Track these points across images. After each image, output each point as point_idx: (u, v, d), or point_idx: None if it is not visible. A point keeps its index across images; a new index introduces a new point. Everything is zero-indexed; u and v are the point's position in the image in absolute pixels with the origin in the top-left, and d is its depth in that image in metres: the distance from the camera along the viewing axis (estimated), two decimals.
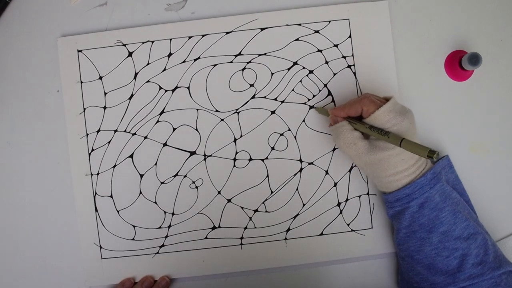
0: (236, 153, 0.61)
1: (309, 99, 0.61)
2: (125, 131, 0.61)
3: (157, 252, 0.61)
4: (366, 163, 0.53)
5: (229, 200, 0.61)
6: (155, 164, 0.61)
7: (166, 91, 0.61)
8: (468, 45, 0.62)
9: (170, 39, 0.61)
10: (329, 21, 0.61)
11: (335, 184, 0.61)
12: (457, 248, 0.51)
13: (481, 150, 0.62)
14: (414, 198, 0.52)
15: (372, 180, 0.56)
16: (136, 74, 0.61)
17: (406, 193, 0.52)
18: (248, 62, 0.61)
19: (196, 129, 0.61)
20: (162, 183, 0.61)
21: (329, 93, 0.61)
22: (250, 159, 0.61)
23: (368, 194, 0.61)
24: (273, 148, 0.61)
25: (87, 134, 0.61)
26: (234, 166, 0.61)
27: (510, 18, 0.63)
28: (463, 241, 0.51)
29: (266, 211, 0.61)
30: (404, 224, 0.53)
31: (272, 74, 0.61)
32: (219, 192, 0.61)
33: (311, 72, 0.61)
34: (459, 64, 0.60)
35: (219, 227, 0.61)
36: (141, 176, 0.61)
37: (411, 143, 0.49)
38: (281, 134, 0.61)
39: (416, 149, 0.48)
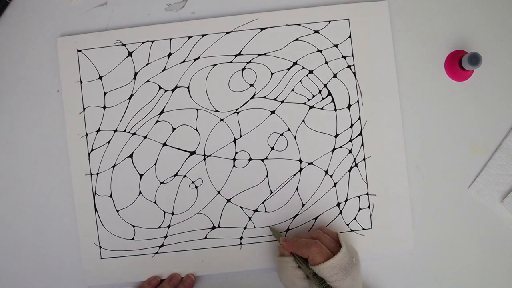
0: (236, 153, 0.61)
1: (309, 99, 0.61)
2: (124, 131, 0.61)
3: (157, 252, 0.61)
4: None
5: (228, 200, 0.61)
6: (155, 164, 0.61)
7: (165, 91, 0.61)
8: (468, 45, 0.62)
9: (170, 39, 0.61)
10: (329, 21, 0.61)
11: (335, 184, 0.61)
12: None
13: (481, 150, 0.62)
14: None
15: None
16: (136, 74, 0.61)
17: None
18: (248, 62, 0.61)
19: (196, 129, 0.61)
20: (161, 183, 0.61)
21: (329, 93, 0.61)
22: (250, 159, 0.61)
23: (367, 194, 0.61)
24: (272, 148, 0.61)
25: (87, 134, 0.61)
26: (234, 166, 0.61)
27: (510, 18, 0.62)
28: None
29: (265, 211, 0.61)
30: None
31: (272, 74, 0.61)
32: (218, 192, 0.61)
33: (311, 72, 0.61)
34: (459, 64, 0.60)
35: (219, 227, 0.61)
36: (141, 176, 0.61)
37: None
38: (281, 134, 0.61)
39: None
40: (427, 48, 0.62)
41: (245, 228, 0.61)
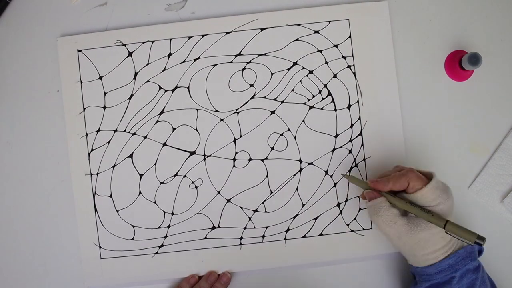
0: (236, 153, 0.61)
1: (309, 99, 0.61)
2: (124, 131, 0.61)
3: (156, 252, 0.60)
4: (405, 243, 0.51)
5: (228, 200, 0.61)
6: (155, 164, 0.61)
7: (165, 91, 0.61)
8: (468, 45, 0.62)
9: (170, 39, 0.61)
10: (329, 21, 0.61)
11: (335, 185, 0.61)
12: None
13: (481, 150, 0.62)
14: (458, 269, 0.51)
15: (406, 256, 0.54)
16: (136, 74, 0.61)
17: (449, 263, 0.51)
18: (248, 62, 0.61)
19: (196, 129, 0.61)
20: (161, 183, 0.61)
21: (329, 93, 0.61)
22: (250, 159, 0.61)
23: None
24: (272, 148, 0.61)
25: (87, 134, 0.61)
26: (234, 166, 0.61)
27: (510, 18, 0.62)
28: None
29: (265, 211, 0.61)
30: None
31: (272, 74, 0.61)
32: (218, 192, 0.61)
33: (311, 72, 0.61)
34: (459, 64, 0.60)
35: (219, 227, 0.61)
36: (141, 176, 0.61)
37: (458, 227, 0.48)
38: (281, 134, 0.61)
39: (463, 233, 0.48)
40: (427, 48, 0.62)
41: (245, 228, 0.61)
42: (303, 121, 0.61)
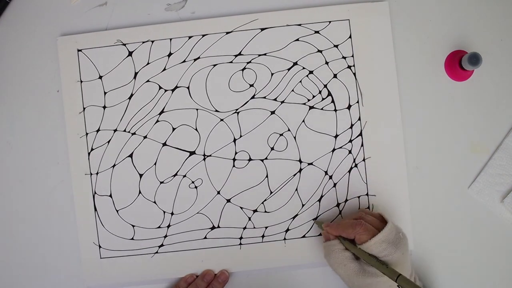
0: (236, 153, 0.61)
1: (309, 100, 0.61)
2: (124, 130, 0.61)
3: (156, 252, 0.60)
4: (354, 285, 0.53)
5: (228, 200, 0.61)
6: (155, 163, 0.61)
7: (166, 90, 0.61)
8: (468, 45, 0.62)
9: (170, 39, 0.61)
10: (330, 22, 0.61)
11: (335, 185, 0.61)
12: None
13: (481, 150, 0.61)
14: None
15: None
16: (136, 73, 0.61)
17: None
18: (248, 62, 0.61)
19: (196, 129, 0.61)
20: (161, 182, 0.61)
21: (329, 94, 0.61)
22: (250, 159, 0.61)
23: (367, 195, 0.61)
24: (272, 148, 0.61)
25: (87, 134, 0.61)
26: (234, 166, 0.61)
27: (510, 18, 0.62)
28: None
29: (265, 211, 0.61)
30: None
31: (272, 74, 0.61)
32: (218, 192, 0.61)
33: (311, 72, 0.61)
34: (459, 64, 0.60)
35: (218, 227, 0.61)
36: (141, 175, 0.61)
37: (408, 283, 0.48)
38: (281, 135, 0.61)
39: None
40: (427, 48, 0.62)
41: (244, 228, 0.61)
42: (303, 121, 0.61)
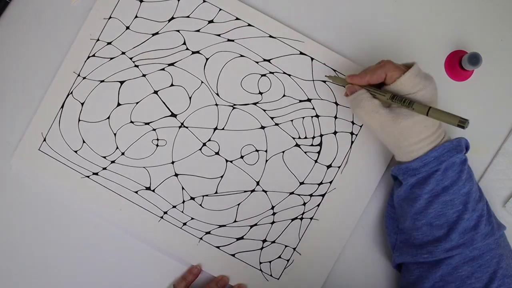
0: (209, 140, 0.61)
1: (299, 137, 0.61)
2: (131, 58, 0.61)
3: (88, 176, 0.60)
4: (389, 133, 0.51)
5: (176, 175, 0.61)
6: (136, 103, 0.61)
7: (187, 49, 0.61)
8: (468, 45, 0.62)
9: (220, 9, 0.61)
10: None
11: (272, 223, 0.61)
12: (475, 210, 0.52)
13: (481, 150, 0.61)
14: (443, 161, 0.51)
15: (392, 150, 0.54)
16: (172, 18, 0.61)
17: (434, 155, 0.51)
18: (271, 72, 0.61)
19: (190, 98, 0.61)
20: (130, 122, 0.61)
21: (320, 144, 0.61)
22: (217, 153, 0.61)
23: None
24: (242, 157, 0.61)
25: (98, 39, 0.61)
26: (200, 150, 0.61)
27: (510, 18, 0.62)
28: (478, 203, 0.52)
29: (200, 205, 0.61)
30: (427, 189, 0.51)
31: (284, 96, 0.61)
32: (172, 163, 0.61)
33: (317, 116, 0.61)
34: (459, 64, 0.60)
35: (154, 191, 0.61)
36: (119, 104, 0.61)
37: (440, 111, 0.48)
38: (256, 150, 0.61)
39: (446, 117, 0.47)
40: (427, 48, 0.62)
41: (174, 207, 0.61)
42: (283, 152, 0.61)
